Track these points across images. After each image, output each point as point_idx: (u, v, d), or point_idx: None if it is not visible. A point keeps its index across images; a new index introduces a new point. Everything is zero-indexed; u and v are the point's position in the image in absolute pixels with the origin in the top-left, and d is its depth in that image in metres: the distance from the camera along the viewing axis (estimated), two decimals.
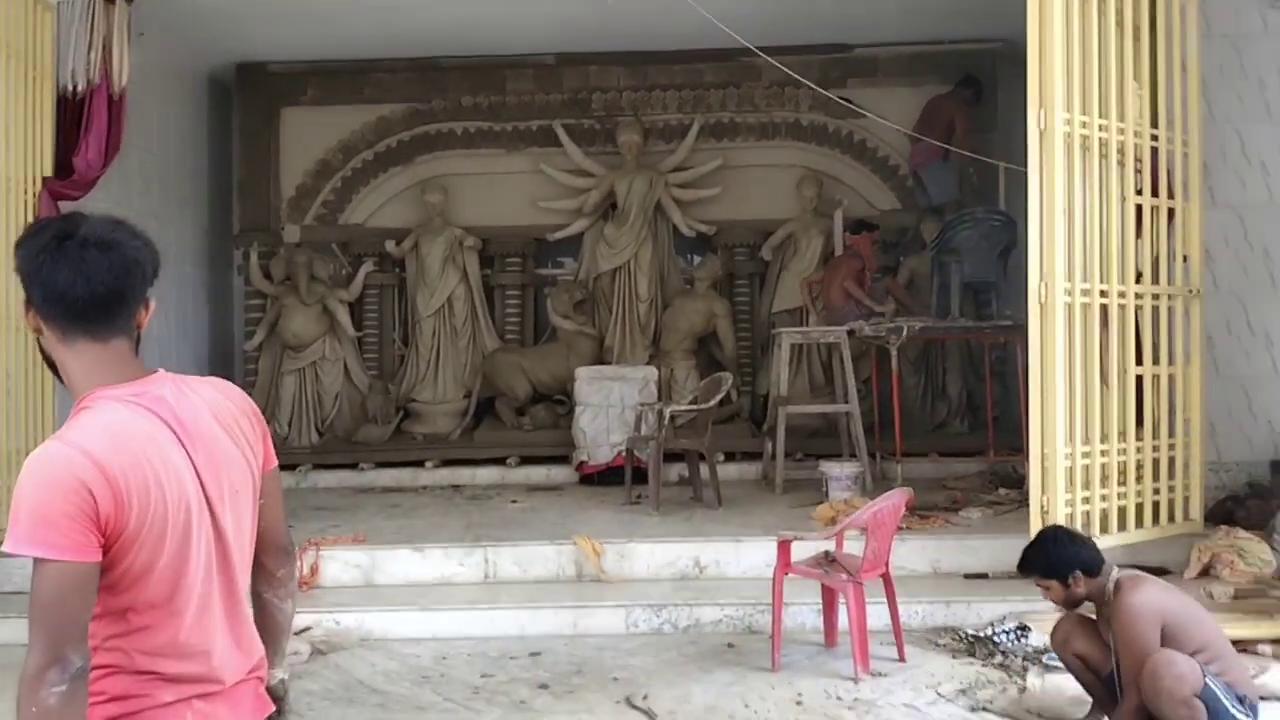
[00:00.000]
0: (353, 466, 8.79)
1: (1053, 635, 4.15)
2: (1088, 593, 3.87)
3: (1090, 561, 3.87)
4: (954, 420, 9.18)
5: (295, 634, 5.55)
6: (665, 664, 5.06)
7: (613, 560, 6.04)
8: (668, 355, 9.17)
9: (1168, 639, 3.65)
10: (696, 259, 9.96)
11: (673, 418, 7.38)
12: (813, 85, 8.26)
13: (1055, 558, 3.90)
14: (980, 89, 9.27)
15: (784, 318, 9.36)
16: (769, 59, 7.73)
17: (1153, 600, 3.69)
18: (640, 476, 7.49)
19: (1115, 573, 3.85)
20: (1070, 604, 3.95)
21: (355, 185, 10.03)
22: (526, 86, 9.98)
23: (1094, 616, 4.02)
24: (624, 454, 7.81)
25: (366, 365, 9.77)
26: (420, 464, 8.83)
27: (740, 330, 9.66)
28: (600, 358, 9.25)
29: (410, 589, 5.96)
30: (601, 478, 8.23)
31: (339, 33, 9.04)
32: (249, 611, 1.86)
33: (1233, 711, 3.58)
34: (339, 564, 6.10)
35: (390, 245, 9.76)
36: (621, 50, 9.70)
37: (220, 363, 9.86)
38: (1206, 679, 3.56)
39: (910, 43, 9.53)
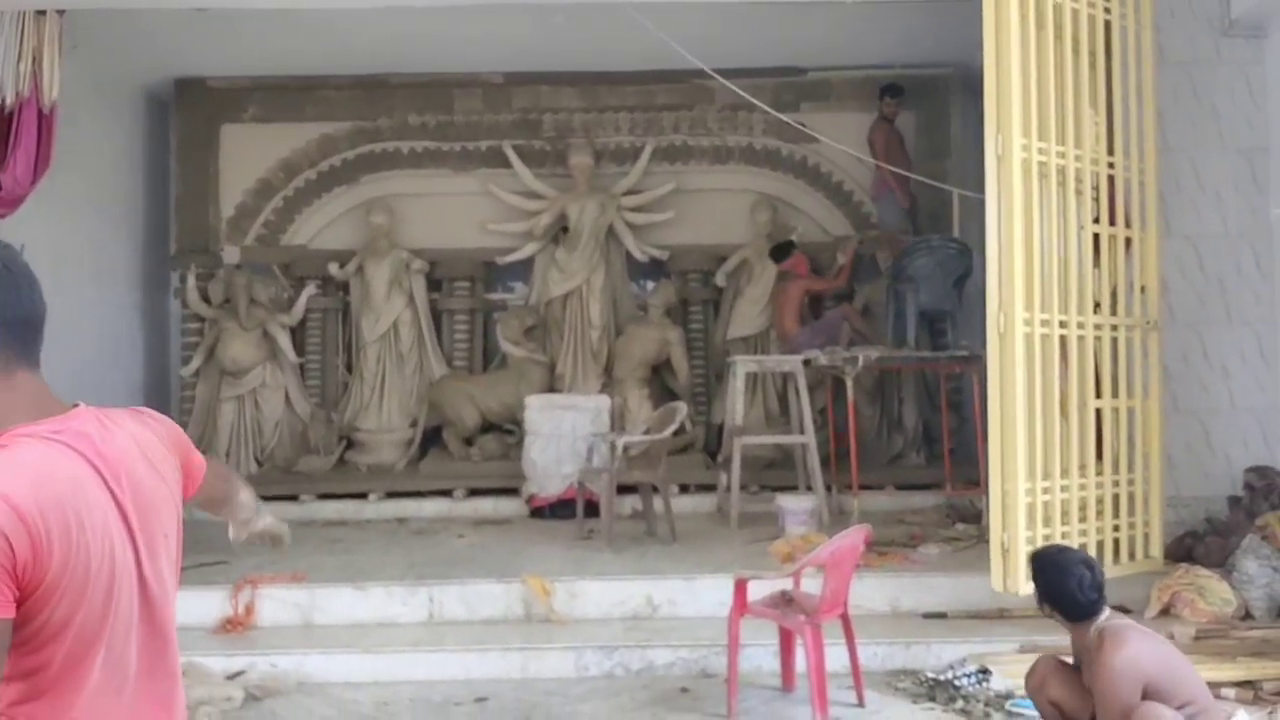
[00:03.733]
0: (293, 498, 8.45)
1: (1028, 677, 4.00)
2: (1071, 635, 3.75)
3: (1064, 600, 3.71)
4: (910, 452, 9.08)
5: (228, 678, 5.30)
6: (617, 710, 4.88)
7: (563, 599, 5.83)
8: (621, 383, 8.98)
9: (1151, 697, 3.50)
10: (649, 285, 9.80)
11: (626, 449, 7.19)
12: (766, 108, 8.15)
13: (1037, 583, 3.82)
14: (899, 91, 9.18)
15: (739, 345, 9.21)
16: (722, 80, 7.61)
17: (1137, 659, 3.51)
18: (592, 510, 7.28)
19: (1102, 617, 3.69)
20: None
21: (298, 205, 9.75)
22: (475, 106, 9.78)
23: (1069, 660, 3.90)
24: (575, 486, 7.59)
25: (308, 392, 9.46)
26: (364, 496, 8.52)
27: (694, 358, 9.49)
28: (551, 386, 9.03)
29: (351, 629, 5.73)
30: (552, 511, 7.99)
31: (282, 48, 8.80)
32: (175, 669, 1.69)
33: None
34: (276, 603, 5.86)
35: (334, 268, 9.49)
36: (572, 70, 9.54)
37: (155, 390, 9.52)
38: None
39: (863, 66, 9.46)
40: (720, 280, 9.58)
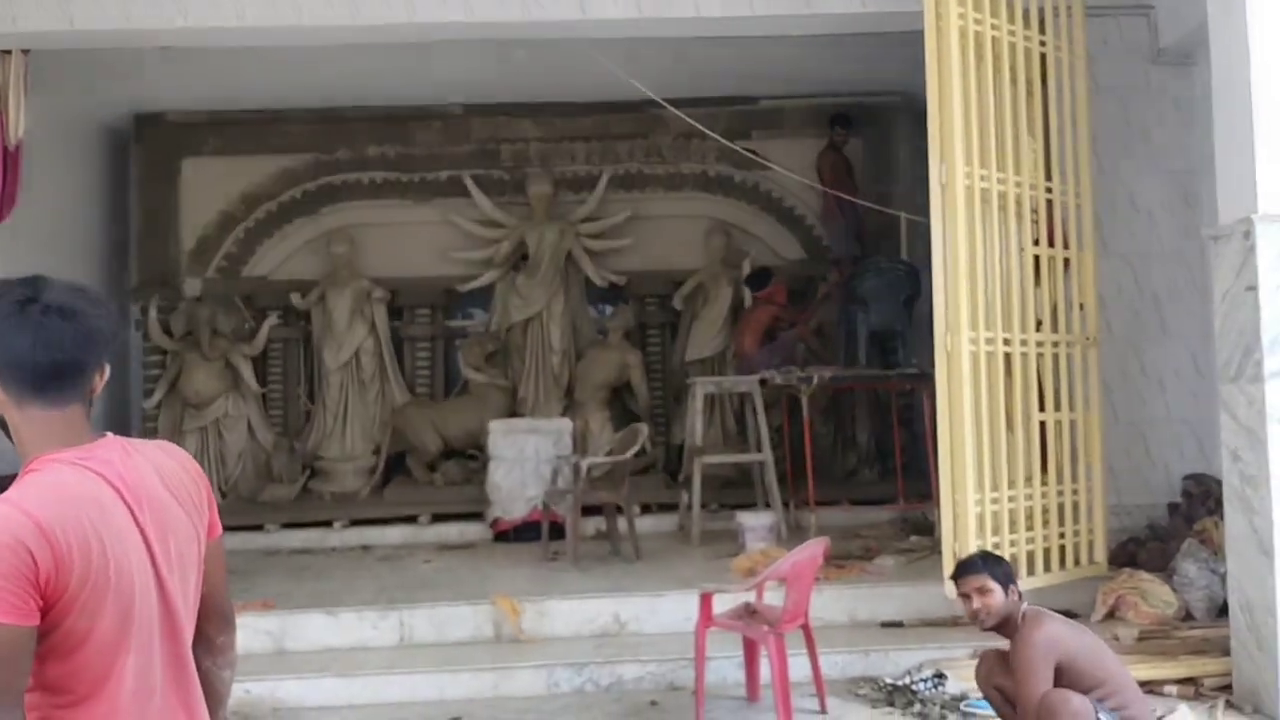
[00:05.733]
0: (258, 528, 8.50)
1: (977, 669, 4.23)
2: (1009, 614, 3.97)
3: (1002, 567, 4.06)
4: (864, 468, 9.32)
5: None
6: None
7: (532, 619, 5.95)
8: (582, 406, 9.15)
9: (1064, 674, 3.74)
10: (608, 309, 9.99)
11: (589, 470, 7.34)
12: (717, 136, 8.38)
13: (1005, 567, 4.07)
14: (849, 122, 9.46)
15: (697, 367, 9.43)
16: (675, 111, 7.83)
17: (1051, 636, 3.78)
18: (557, 532, 7.41)
19: (1024, 606, 3.96)
20: (998, 618, 3.97)
21: (259, 237, 9.84)
22: (434, 137, 9.94)
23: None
24: (540, 509, 7.72)
25: (271, 422, 9.54)
26: (328, 524, 8.57)
27: (653, 380, 9.69)
28: (513, 410, 9.18)
29: (324, 654, 5.79)
30: (517, 534, 8.09)
31: (241, 82, 8.90)
32: (197, 681, 1.81)
33: None
34: (249, 631, 5.84)
35: (295, 298, 9.59)
36: (530, 101, 9.73)
37: (116, 422, 9.50)
38: (1100, 714, 3.65)
39: (813, 95, 9.74)
40: (677, 304, 9.80)
